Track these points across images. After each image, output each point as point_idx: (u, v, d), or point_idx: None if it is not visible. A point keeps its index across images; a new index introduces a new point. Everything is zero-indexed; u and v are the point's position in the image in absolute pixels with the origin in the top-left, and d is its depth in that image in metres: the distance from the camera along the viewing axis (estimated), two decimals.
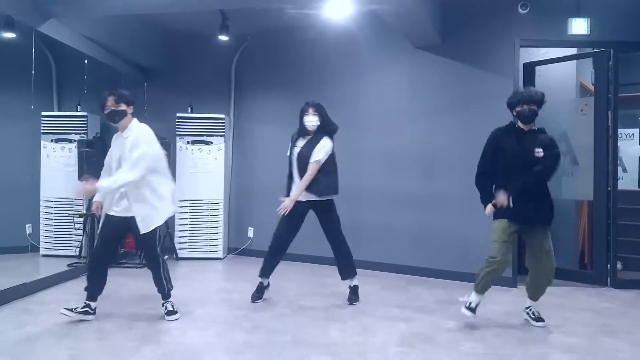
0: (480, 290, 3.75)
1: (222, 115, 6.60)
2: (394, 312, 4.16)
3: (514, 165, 3.67)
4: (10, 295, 4.30)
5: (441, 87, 5.58)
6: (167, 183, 3.88)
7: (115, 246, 3.95)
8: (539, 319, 3.86)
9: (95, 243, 3.86)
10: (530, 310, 3.92)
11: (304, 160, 4.27)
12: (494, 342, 3.47)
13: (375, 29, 5.78)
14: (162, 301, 3.89)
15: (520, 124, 3.75)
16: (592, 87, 6.09)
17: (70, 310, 3.72)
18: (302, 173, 4.27)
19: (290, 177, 4.37)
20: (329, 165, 4.32)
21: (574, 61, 5.78)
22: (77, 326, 3.65)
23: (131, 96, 3.83)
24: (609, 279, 5.12)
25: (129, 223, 3.72)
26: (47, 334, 3.49)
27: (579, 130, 5.51)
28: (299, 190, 4.23)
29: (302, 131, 4.33)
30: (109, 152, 3.92)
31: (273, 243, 4.37)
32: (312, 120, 4.27)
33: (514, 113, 3.77)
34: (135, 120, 3.83)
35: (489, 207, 3.71)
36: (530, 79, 5.54)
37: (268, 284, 4.49)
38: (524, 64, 5.51)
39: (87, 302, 3.79)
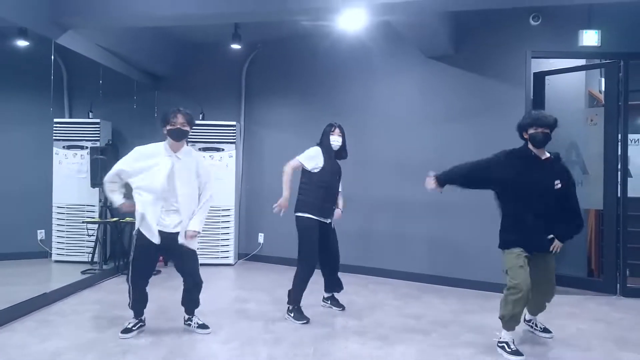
0: (509, 326, 3.53)
1: (233, 122, 6.62)
2: (411, 324, 4.21)
3: (534, 193, 3.52)
4: (30, 307, 4.34)
5: (453, 96, 5.63)
6: None
7: (155, 261, 3.95)
8: (546, 330, 3.93)
9: (132, 258, 3.76)
10: (533, 322, 3.99)
11: (338, 184, 4.53)
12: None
13: (387, 39, 5.83)
14: (190, 316, 3.97)
15: (532, 148, 3.59)
16: (600, 96, 6.14)
17: (127, 331, 3.78)
18: (336, 194, 4.52)
19: (329, 200, 4.39)
20: None
21: (583, 71, 5.83)
22: (102, 340, 3.69)
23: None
24: (618, 286, 5.19)
25: (175, 239, 3.74)
26: (71, 348, 3.52)
27: (588, 140, 5.57)
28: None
29: (328, 150, 4.40)
30: (156, 170, 3.70)
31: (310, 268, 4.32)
32: (338, 141, 4.41)
33: (525, 136, 3.61)
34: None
35: (431, 179, 3.78)
36: (540, 88, 5.58)
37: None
38: (534, 73, 5.54)
39: (135, 318, 3.89)
